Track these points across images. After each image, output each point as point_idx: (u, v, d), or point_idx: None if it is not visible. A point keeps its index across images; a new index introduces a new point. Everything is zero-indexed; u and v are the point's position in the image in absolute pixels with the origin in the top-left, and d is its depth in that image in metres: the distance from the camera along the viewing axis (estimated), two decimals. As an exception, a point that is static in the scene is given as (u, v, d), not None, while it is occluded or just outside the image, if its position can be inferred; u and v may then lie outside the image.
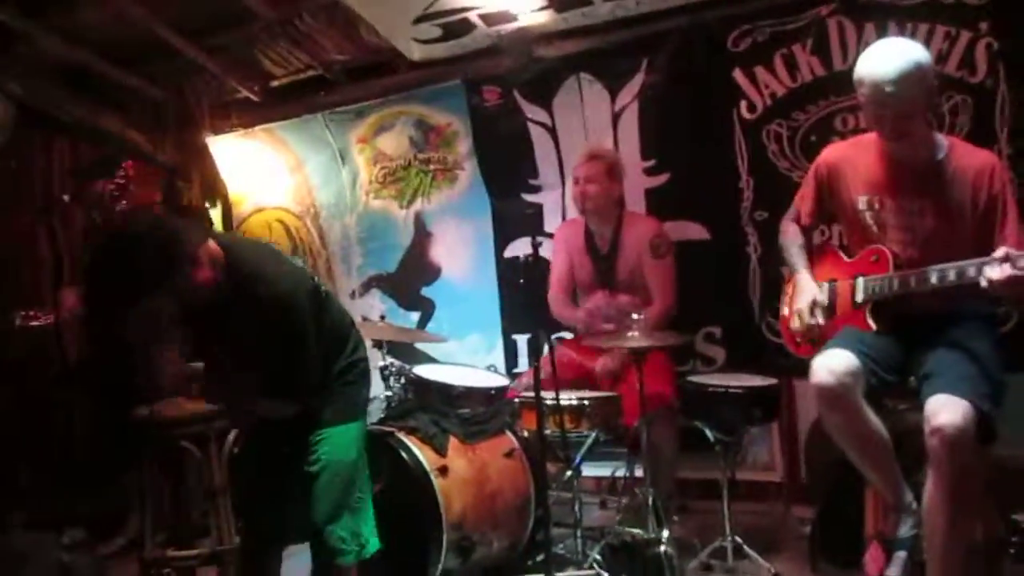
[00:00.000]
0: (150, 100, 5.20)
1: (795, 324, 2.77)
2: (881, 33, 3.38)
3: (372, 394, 4.48)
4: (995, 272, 2.23)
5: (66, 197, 4.35)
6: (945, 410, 2.24)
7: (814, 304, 2.68)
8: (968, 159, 2.54)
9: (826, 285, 2.73)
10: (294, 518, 2.55)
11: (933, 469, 2.29)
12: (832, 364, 2.40)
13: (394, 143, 4.85)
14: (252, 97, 5.12)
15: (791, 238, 2.93)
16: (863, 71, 2.48)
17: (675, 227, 3.94)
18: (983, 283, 2.26)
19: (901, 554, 2.43)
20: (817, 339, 2.69)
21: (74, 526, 4.08)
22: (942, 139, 2.61)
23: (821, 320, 2.66)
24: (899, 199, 2.58)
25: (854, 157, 2.71)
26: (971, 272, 2.32)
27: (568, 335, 4.06)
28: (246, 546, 2.79)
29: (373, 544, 2.62)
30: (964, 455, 2.23)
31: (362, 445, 2.68)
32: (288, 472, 2.55)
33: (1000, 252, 2.24)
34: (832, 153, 2.81)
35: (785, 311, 2.96)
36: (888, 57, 2.43)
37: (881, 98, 2.44)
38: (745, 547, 3.23)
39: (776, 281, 3.27)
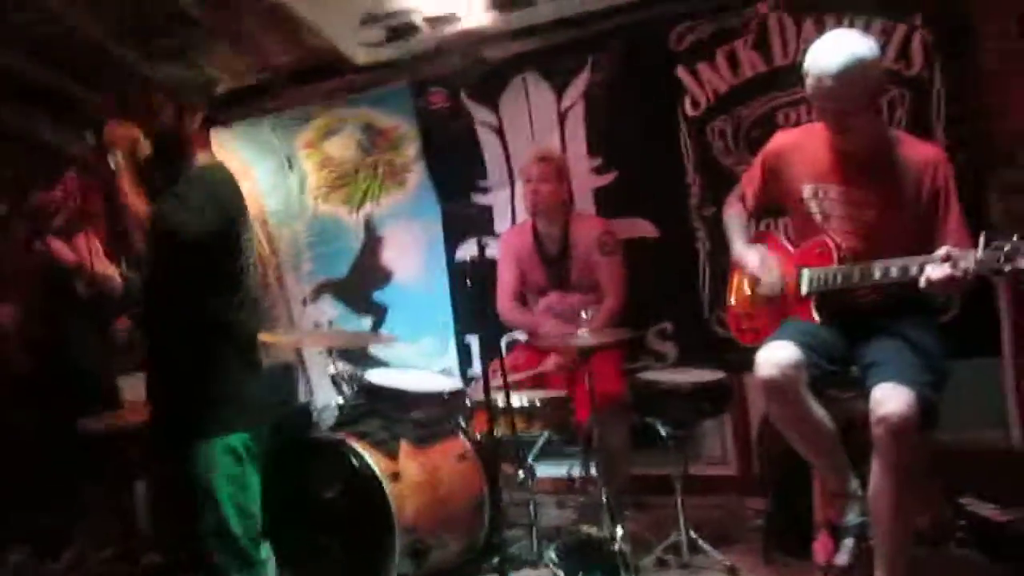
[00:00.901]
0: (91, 108, 5.09)
1: (762, 286, 2.75)
2: (820, 28, 3.42)
3: (325, 401, 4.51)
4: (936, 272, 2.25)
5: (2, 208, 4.24)
6: (890, 399, 2.27)
7: (765, 261, 2.72)
8: (914, 152, 2.56)
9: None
10: None
11: (878, 456, 2.32)
12: (776, 357, 2.42)
13: (342, 147, 4.81)
14: (196, 103, 5.03)
15: (735, 213, 2.96)
16: (808, 63, 2.50)
17: (624, 225, 3.97)
18: (922, 283, 2.28)
19: (849, 541, 2.46)
20: (771, 307, 2.72)
21: (21, 544, 4.00)
22: (891, 132, 2.64)
23: (776, 273, 2.68)
24: (844, 189, 2.60)
25: (802, 145, 2.72)
26: (913, 270, 2.34)
27: (521, 337, 4.05)
28: None
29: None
30: (909, 442, 2.26)
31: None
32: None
33: (942, 251, 2.25)
34: (781, 140, 2.82)
35: (732, 300, 2.98)
36: (832, 51, 2.45)
37: (824, 91, 2.46)
38: (699, 541, 3.24)
39: (725, 275, 3.30)
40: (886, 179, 2.54)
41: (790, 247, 2.82)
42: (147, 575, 3.10)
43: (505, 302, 3.93)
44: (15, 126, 4.69)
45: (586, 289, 3.75)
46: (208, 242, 2.35)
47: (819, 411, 2.46)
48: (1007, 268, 2.15)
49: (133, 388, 3.15)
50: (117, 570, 3.20)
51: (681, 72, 3.85)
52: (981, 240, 2.21)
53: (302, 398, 5.04)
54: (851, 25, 3.40)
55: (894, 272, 2.41)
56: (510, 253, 3.96)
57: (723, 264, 3.44)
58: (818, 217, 2.65)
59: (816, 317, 2.58)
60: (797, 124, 3.50)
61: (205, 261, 2.40)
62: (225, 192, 2.45)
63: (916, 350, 2.41)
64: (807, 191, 2.66)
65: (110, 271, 3.74)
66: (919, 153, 2.55)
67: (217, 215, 2.37)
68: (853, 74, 2.41)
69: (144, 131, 2.38)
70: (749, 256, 2.77)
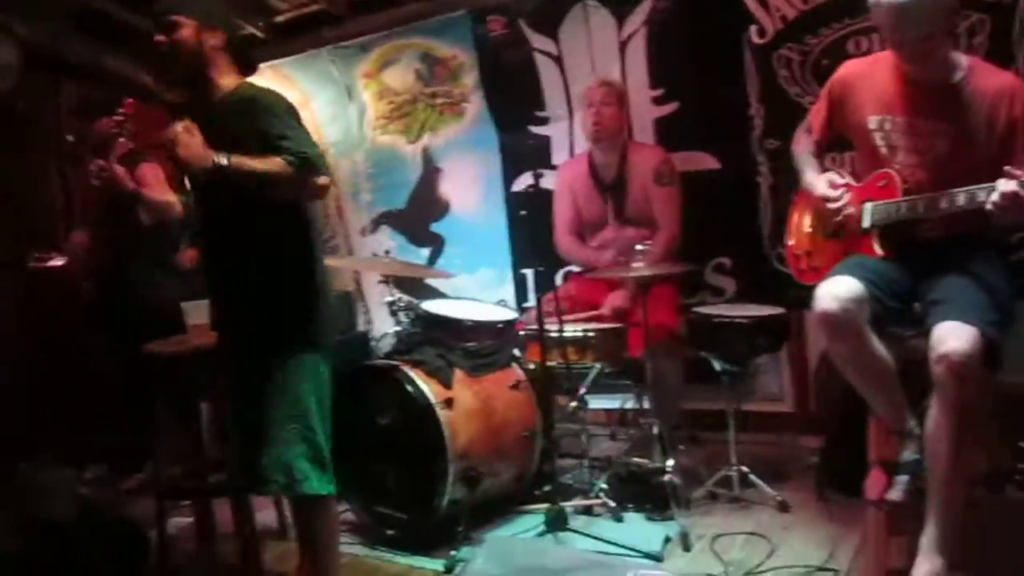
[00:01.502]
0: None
1: (831, 205, 2.61)
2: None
3: (382, 330, 4.58)
4: (1005, 186, 2.16)
5: (70, 138, 4.34)
6: (952, 337, 2.20)
7: (831, 182, 2.62)
8: (988, 81, 2.43)
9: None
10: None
11: (938, 395, 2.26)
12: (836, 290, 2.36)
13: (400, 77, 4.79)
14: (257, 34, 5.04)
15: (803, 146, 2.85)
16: None
17: (685, 157, 3.89)
18: (989, 204, 2.19)
19: (903, 478, 2.41)
20: (833, 244, 2.66)
21: (97, 462, 4.19)
22: (962, 59, 2.50)
23: (843, 195, 2.58)
24: (911, 119, 2.49)
25: (869, 75, 2.61)
26: (981, 196, 2.25)
27: (577, 269, 4.04)
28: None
29: (313, 485, 2.36)
30: (970, 382, 2.19)
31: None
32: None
33: (1012, 170, 2.16)
34: (847, 70, 2.71)
35: (791, 240, 2.92)
36: None
37: (901, 21, 2.33)
38: (751, 475, 3.25)
39: (787, 210, 3.22)
40: (957, 109, 2.42)
41: (853, 181, 2.73)
42: (215, 492, 3.21)
43: (563, 236, 3.92)
44: (81, 56, 4.77)
45: (642, 222, 3.71)
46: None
47: (879, 348, 2.39)
48: None
49: (197, 312, 3.22)
50: (186, 487, 3.32)
51: (748, -2, 3.71)
52: None
53: (361, 327, 5.13)
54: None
55: (960, 200, 2.31)
56: (566, 185, 3.93)
57: (785, 198, 3.37)
58: (884, 149, 2.55)
59: (879, 251, 2.51)
60: (869, 53, 3.36)
61: None
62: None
63: (982, 287, 2.32)
64: (873, 122, 2.56)
65: (171, 198, 3.81)
66: (994, 82, 2.42)
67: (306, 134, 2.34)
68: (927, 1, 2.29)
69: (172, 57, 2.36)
70: (819, 183, 2.69)
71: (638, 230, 3.67)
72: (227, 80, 2.41)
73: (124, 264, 3.99)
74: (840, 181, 2.62)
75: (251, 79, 2.49)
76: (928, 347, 2.25)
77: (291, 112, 2.34)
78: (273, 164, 2.17)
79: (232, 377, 2.53)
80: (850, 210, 2.59)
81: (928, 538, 2.28)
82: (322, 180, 2.28)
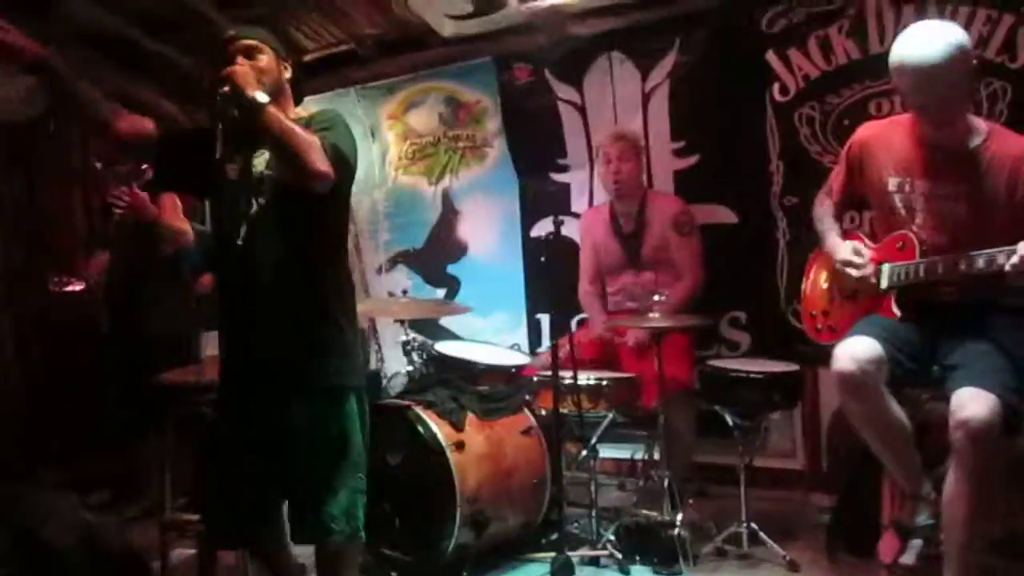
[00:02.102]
0: (183, 71, 5.24)
1: (850, 272, 2.62)
2: (920, 16, 3.30)
3: (393, 369, 4.57)
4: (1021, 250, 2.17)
5: (98, 164, 4.39)
6: (972, 403, 2.19)
7: (858, 249, 2.62)
8: (1007, 146, 2.45)
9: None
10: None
11: (956, 461, 2.25)
12: (855, 351, 2.36)
13: (424, 119, 4.86)
14: (286, 71, 5.12)
15: (824, 209, 2.86)
16: (904, 55, 2.39)
17: (703, 210, 3.91)
18: (1008, 267, 2.19)
19: (916, 542, 2.39)
20: (850, 305, 2.67)
21: (101, 488, 4.18)
22: (982, 124, 2.52)
23: (867, 263, 2.58)
24: (931, 183, 2.51)
25: (888, 137, 2.63)
26: (1000, 259, 2.26)
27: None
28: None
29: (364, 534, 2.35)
30: (989, 449, 2.18)
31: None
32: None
33: None
34: (866, 131, 2.73)
35: (809, 298, 2.92)
36: (930, 40, 2.34)
37: (923, 84, 2.36)
38: (761, 533, 3.20)
39: (803, 267, 3.23)
40: (976, 173, 2.44)
41: (871, 243, 2.74)
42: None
43: (584, 284, 3.94)
44: (108, 84, 4.85)
45: (659, 267, 3.72)
46: (349, 180, 2.34)
47: (896, 409, 2.39)
48: None
49: (215, 343, 3.23)
50: (184, 520, 3.30)
51: (771, 56, 3.76)
52: None
53: (373, 365, 5.13)
54: (954, 13, 3.29)
55: (980, 263, 2.31)
56: (588, 233, 3.96)
57: (803, 256, 3.38)
58: (902, 211, 2.56)
59: (897, 312, 2.51)
60: (890, 114, 3.39)
61: (337, 205, 2.37)
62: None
63: (1002, 353, 2.31)
64: (892, 184, 2.58)
65: (186, 226, 3.84)
66: (1013, 148, 2.44)
67: (354, 151, 2.33)
68: (955, 62, 2.31)
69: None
70: (842, 248, 2.69)
71: (656, 275, 3.69)
72: (291, 112, 2.42)
73: (139, 290, 4.01)
74: (865, 251, 2.62)
75: None
76: (948, 413, 2.24)
77: (343, 121, 2.36)
78: (307, 136, 2.16)
79: (245, 420, 2.31)
80: (868, 270, 2.60)
81: None
82: (325, 167, 2.18)
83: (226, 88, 2.15)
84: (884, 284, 2.56)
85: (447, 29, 4.39)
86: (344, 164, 2.23)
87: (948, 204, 2.48)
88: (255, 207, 2.30)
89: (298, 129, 2.16)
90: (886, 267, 2.57)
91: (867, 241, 2.75)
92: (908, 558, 2.40)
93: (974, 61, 2.42)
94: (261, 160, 2.33)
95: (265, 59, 2.35)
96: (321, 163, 2.14)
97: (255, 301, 2.30)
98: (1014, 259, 2.21)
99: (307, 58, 5.04)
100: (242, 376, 2.36)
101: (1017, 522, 2.61)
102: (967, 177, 2.45)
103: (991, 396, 2.19)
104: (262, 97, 2.15)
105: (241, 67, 2.20)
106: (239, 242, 2.30)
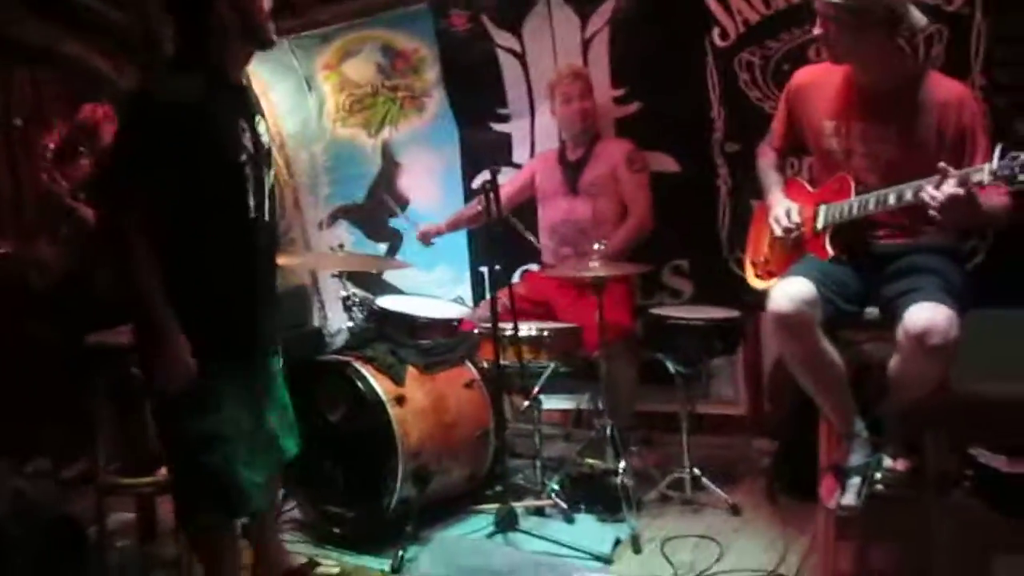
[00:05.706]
0: (114, 24, 5.02)
1: (777, 230, 2.67)
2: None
3: (336, 326, 4.51)
4: (947, 187, 2.16)
5: (18, 121, 4.21)
6: (930, 315, 2.19)
7: (789, 210, 2.64)
8: (938, 89, 2.45)
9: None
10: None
11: (907, 363, 2.27)
12: (790, 291, 2.36)
13: (361, 69, 4.72)
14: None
15: (767, 161, 2.88)
16: None
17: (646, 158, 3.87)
18: (933, 201, 2.19)
19: (854, 481, 2.41)
20: (789, 251, 2.68)
21: (39, 455, 4.07)
22: (915, 68, 2.53)
23: (797, 218, 2.61)
24: (864, 125, 2.51)
25: (824, 81, 2.63)
26: (928, 189, 2.23)
27: (533, 267, 4.02)
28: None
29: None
30: (946, 360, 2.22)
31: None
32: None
33: (957, 172, 2.18)
34: (803, 76, 2.74)
35: (751, 254, 2.93)
36: None
37: (826, 9, 2.38)
38: (704, 479, 3.24)
39: (745, 215, 3.22)
40: (907, 116, 2.44)
41: (810, 188, 2.75)
42: (160, 489, 3.12)
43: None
44: (35, 40, 4.64)
45: (601, 199, 3.70)
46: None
47: (831, 350, 2.40)
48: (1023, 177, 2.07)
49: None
50: (121, 483, 3.23)
51: (711, 1, 3.70)
52: (996, 151, 2.12)
53: (316, 322, 5.06)
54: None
55: (908, 195, 2.31)
56: (531, 166, 4.01)
57: (744, 203, 3.38)
58: (839, 154, 2.57)
59: (829, 250, 2.52)
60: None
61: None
62: None
63: (944, 281, 2.33)
64: (828, 127, 2.59)
65: None
66: (944, 90, 2.45)
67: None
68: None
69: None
70: (778, 207, 2.70)
71: (592, 206, 3.69)
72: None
73: (77, 256, 3.89)
74: (796, 215, 2.63)
75: None
76: (901, 332, 2.23)
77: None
78: None
79: (236, 383, 2.26)
80: (806, 214, 2.60)
81: None
82: None
83: None
84: (820, 224, 2.58)
85: (383, -25, 4.26)
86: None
87: (881, 146, 2.49)
88: (271, 180, 2.32)
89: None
90: (822, 208, 2.58)
91: (808, 186, 2.76)
92: (848, 498, 2.41)
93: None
94: (263, 128, 2.31)
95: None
96: None
97: (269, 274, 2.39)
98: (934, 202, 2.20)
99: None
100: (253, 346, 2.33)
101: (948, 462, 2.66)
102: (899, 118, 2.46)
103: (948, 309, 2.20)
104: None
105: None
106: (265, 218, 2.30)
